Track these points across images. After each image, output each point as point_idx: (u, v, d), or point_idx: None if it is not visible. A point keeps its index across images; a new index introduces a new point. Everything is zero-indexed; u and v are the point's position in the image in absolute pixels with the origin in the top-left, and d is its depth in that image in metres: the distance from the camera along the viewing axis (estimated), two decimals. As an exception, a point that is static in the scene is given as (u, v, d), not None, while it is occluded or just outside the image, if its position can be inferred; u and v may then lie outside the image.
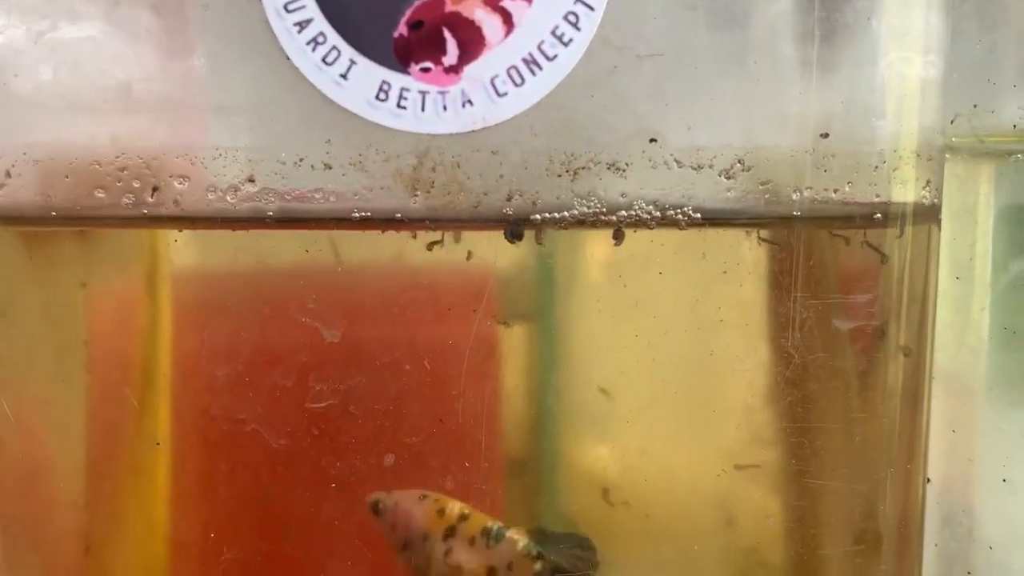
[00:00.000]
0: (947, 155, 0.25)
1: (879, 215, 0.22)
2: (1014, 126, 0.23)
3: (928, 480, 0.26)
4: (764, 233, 0.22)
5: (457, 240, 0.22)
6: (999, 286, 0.24)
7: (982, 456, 0.25)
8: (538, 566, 0.22)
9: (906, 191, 0.22)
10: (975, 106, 0.24)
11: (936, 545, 0.26)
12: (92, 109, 0.22)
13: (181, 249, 0.23)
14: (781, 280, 0.22)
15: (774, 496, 0.23)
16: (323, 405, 0.22)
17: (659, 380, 0.22)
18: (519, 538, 0.22)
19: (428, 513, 0.23)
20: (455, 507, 0.22)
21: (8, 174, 0.22)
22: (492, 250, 0.22)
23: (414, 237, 0.22)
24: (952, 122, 0.25)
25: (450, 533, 0.22)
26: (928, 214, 0.23)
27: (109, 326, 0.24)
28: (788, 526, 0.23)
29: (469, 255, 0.22)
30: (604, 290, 0.23)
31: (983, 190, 0.25)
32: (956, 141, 0.25)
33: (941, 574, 0.26)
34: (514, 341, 0.23)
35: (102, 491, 0.23)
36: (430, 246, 0.22)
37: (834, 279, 0.22)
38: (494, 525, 0.22)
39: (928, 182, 0.23)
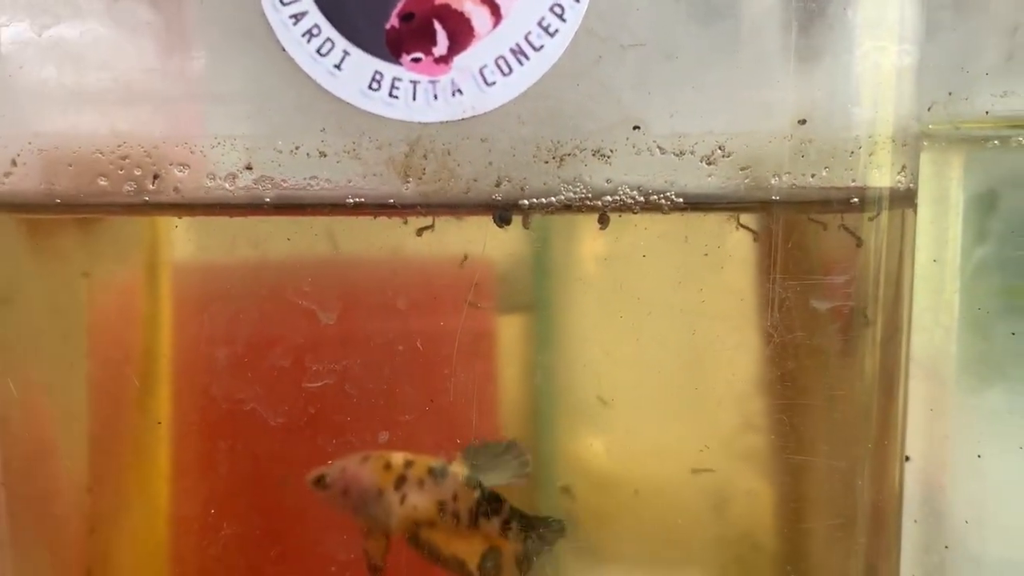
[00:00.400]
0: (924, 142, 0.26)
1: (855, 199, 0.23)
2: (987, 112, 0.24)
3: (908, 458, 0.27)
4: (744, 218, 0.23)
5: (450, 224, 0.23)
6: (967, 270, 0.25)
7: (957, 434, 0.26)
8: (477, 494, 0.24)
9: (882, 176, 0.23)
10: (950, 94, 0.25)
11: (916, 521, 0.27)
12: (94, 100, 0.23)
13: (181, 236, 0.24)
14: (761, 262, 0.23)
15: (755, 471, 0.24)
16: (319, 385, 0.23)
17: (643, 359, 0.23)
18: (460, 470, 0.23)
19: (375, 470, 0.24)
20: (398, 458, 0.24)
21: (14, 163, 0.23)
22: (481, 235, 0.23)
23: (405, 223, 0.23)
24: (929, 110, 0.26)
25: (401, 482, 0.24)
26: (904, 199, 0.24)
27: (111, 313, 0.25)
28: (770, 501, 0.24)
29: (459, 242, 0.23)
30: (590, 273, 0.23)
31: (956, 176, 0.25)
32: (933, 128, 0.26)
33: (920, 548, 0.26)
34: (503, 323, 0.23)
35: (105, 469, 0.24)
36: (420, 231, 0.22)
37: (812, 261, 0.23)
38: (437, 464, 0.24)
39: (903, 167, 0.24)
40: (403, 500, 0.24)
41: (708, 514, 0.24)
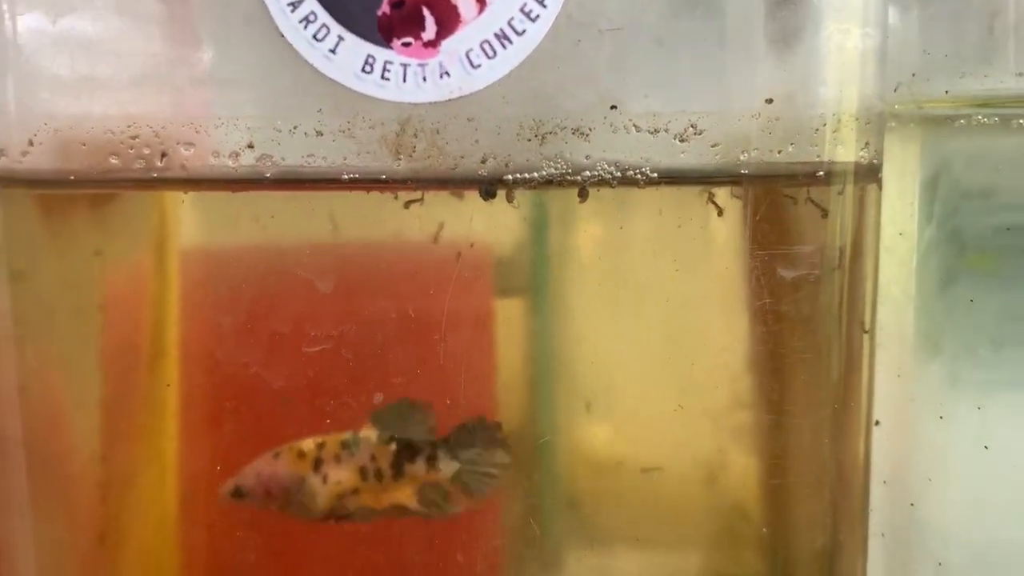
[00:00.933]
0: (892, 123, 0.27)
1: (820, 173, 0.24)
2: (946, 92, 0.26)
3: (877, 423, 0.29)
4: (715, 192, 0.24)
5: (438, 198, 0.24)
6: (928, 241, 0.26)
7: (921, 397, 0.27)
8: (393, 446, 0.25)
9: (846, 152, 0.25)
10: (913, 75, 0.26)
11: (885, 482, 0.28)
12: (106, 84, 0.24)
13: (188, 211, 0.25)
14: (731, 234, 0.24)
15: (728, 430, 0.25)
16: (317, 350, 0.24)
17: (619, 324, 0.25)
18: (369, 433, 0.25)
19: (290, 462, 0.25)
20: (308, 443, 0.25)
21: (31, 143, 0.24)
22: (468, 209, 0.24)
23: (395, 197, 0.24)
24: (895, 91, 0.27)
25: (318, 464, 0.25)
26: (868, 173, 0.25)
27: (123, 285, 0.27)
28: (741, 459, 0.26)
29: (447, 215, 0.24)
30: (570, 244, 0.25)
31: (918, 153, 0.27)
32: (899, 108, 0.27)
33: (888, 503, 0.28)
34: (489, 292, 0.25)
35: (118, 429, 0.25)
36: (407, 204, 0.24)
37: (780, 232, 0.25)
38: (347, 436, 0.25)
39: (867, 144, 0.25)
40: (325, 480, 0.25)
41: (682, 463, 0.25)
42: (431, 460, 0.25)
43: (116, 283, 0.27)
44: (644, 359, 0.25)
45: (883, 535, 0.28)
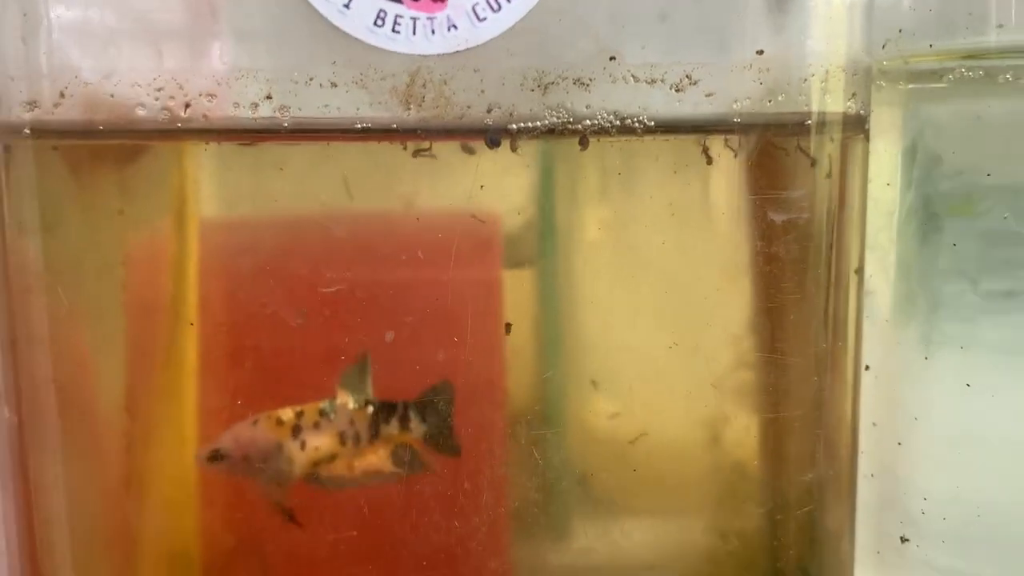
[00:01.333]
0: (881, 79, 0.29)
1: (809, 123, 0.26)
2: (930, 46, 0.27)
3: (867, 367, 0.30)
4: (709, 139, 0.25)
5: (446, 147, 0.26)
6: (907, 193, 0.28)
7: (907, 339, 0.28)
8: (370, 409, 0.26)
9: (833, 102, 0.26)
10: (900, 31, 0.27)
11: (874, 424, 0.30)
12: (132, 38, 0.25)
13: (209, 160, 0.26)
14: (724, 178, 0.26)
15: (720, 363, 0.26)
16: (333, 290, 0.26)
17: (618, 264, 0.26)
18: (347, 399, 0.26)
19: (269, 429, 0.26)
20: (287, 412, 0.26)
21: (62, 95, 0.26)
22: (475, 157, 0.26)
23: (404, 148, 0.26)
24: (884, 47, 0.28)
25: (296, 431, 0.26)
26: (855, 123, 0.26)
27: (147, 232, 0.28)
28: (735, 392, 0.27)
29: (455, 163, 0.26)
30: (572, 189, 0.26)
31: (906, 105, 0.28)
32: (887, 64, 0.28)
33: (876, 443, 0.29)
34: (496, 235, 0.26)
35: (143, 366, 0.27)
36: (416, 153, 0.25)
37: (771, 178, 0.26)
38: (325, 403, 0.26)
39: (854, 95, 0.26)
40: (303, 446, 0.26)
41: (680, 401, 0.27)
42: (404, 420, 0.26)
43: (139, 239, 0.28)
44: (639, 298, 0.26)
45: (872, 475, 0.30)
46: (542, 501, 0.27)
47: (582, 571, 0.28)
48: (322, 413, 0.26)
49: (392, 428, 0.26)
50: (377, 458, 0.27)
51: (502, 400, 0.27)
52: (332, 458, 0.26)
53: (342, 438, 0.26)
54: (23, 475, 0.30)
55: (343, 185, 0.26)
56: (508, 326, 0.26)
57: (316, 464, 0.26)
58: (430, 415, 0.27)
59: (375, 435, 0.26)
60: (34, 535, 0.30)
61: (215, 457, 0.26)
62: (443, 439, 0.27)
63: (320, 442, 0.26)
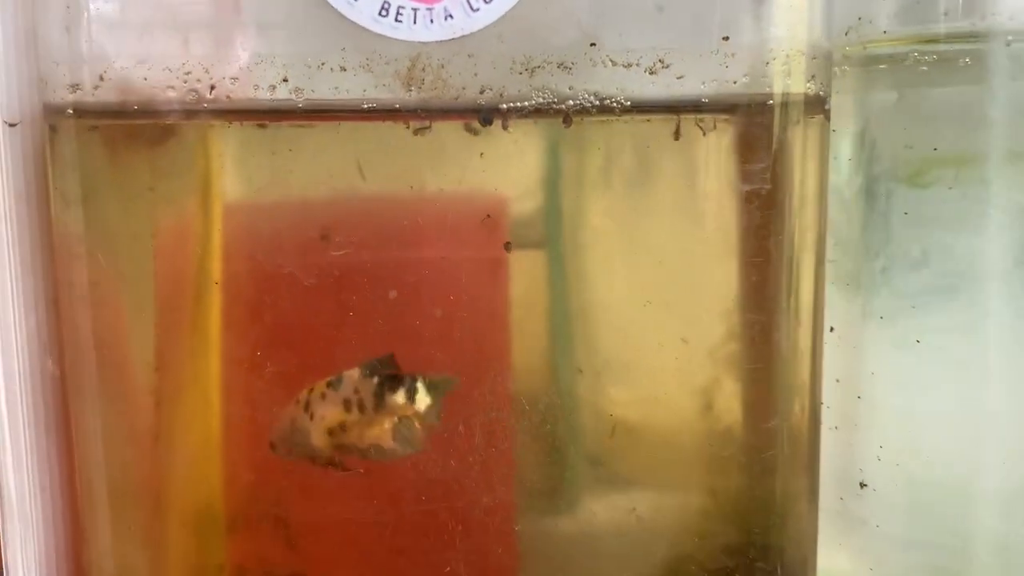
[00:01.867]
0: (845, 64, 0.31)
1: (770, 102, 0.28)
2: (884, 32, 0.29)
3: (832, 329, 0.33)
4: (680, 117, 0.28)
5: (443, 125, 0.28)
6: (871, 162, 0.30)
7: (867, 300, 0.31)
8: (375, 379, 0.29)
9: (794, 84, 0.28)
10: (859, 19, 0.30)
11: (837, 380, 0.32)
12: (164, 28, 0.28)
13: (233, 137, 0.29)
14: (693, 152, 0.28)
15: (689, 318, 0.29)
16: (342, 253, 0.29)
17: (592, 228, 0.29)
18: (352, 372, 0.28)
19: (288, 410, 0.29)
20: (303, 392, 0.29)
21: (101, 78, 0.29)
22: (470, 135, 0.28)
23: (407, 127, 0.28)
24: (846, 34, 0.31)
25: (307, 405, 0.29)
26: (814, 103, 0.29)
27: (176, 205, 0.31)
28: (703, 345, 0.30)
29: (452, 138, 0.28)
30: (557, 162, 0.29)
31: (865, 85, 0.30)
32: (849, 51, 0.31)
33: (839, 396, 0.32)
34: (490, 201, 0.29)
35: (172, 321, 0.30)
36: (416, 131, 0.28)
37: (737, 152, 0.28)
38: (332, 378, 0.29)
39: (813, 76, 0.29)
40: (312, 416, 0.29)
41: (657, 350, 0.29)
42: (411, 392, 0.29)
43: (168, 212, 0.31)
44: (615, 258, 0.29)
45: (836, 427, 0.32)
46: (547, 471, 0.30)
47: (584, 536, 0.31)
48: (329, 384, 0.29)
49: (398, 398, 0.29)
50: (381, 431, 0.29)
51: (507, 373, 0.30)
52: (342, 428, 0.29)
53: (347, 405, 0.28)
54: (65, 422, 0.33)
55: (355, 165, 0.29)
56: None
57: (331, 434, 0.29)
58: (434, 389, 0.29)
59: (380, 404, 0.29)
60: (74, 475, 0.33)
61: (274, 449, 0.29)
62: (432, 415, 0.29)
63: (326, 411, 0.29)
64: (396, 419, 0.29)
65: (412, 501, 0.30)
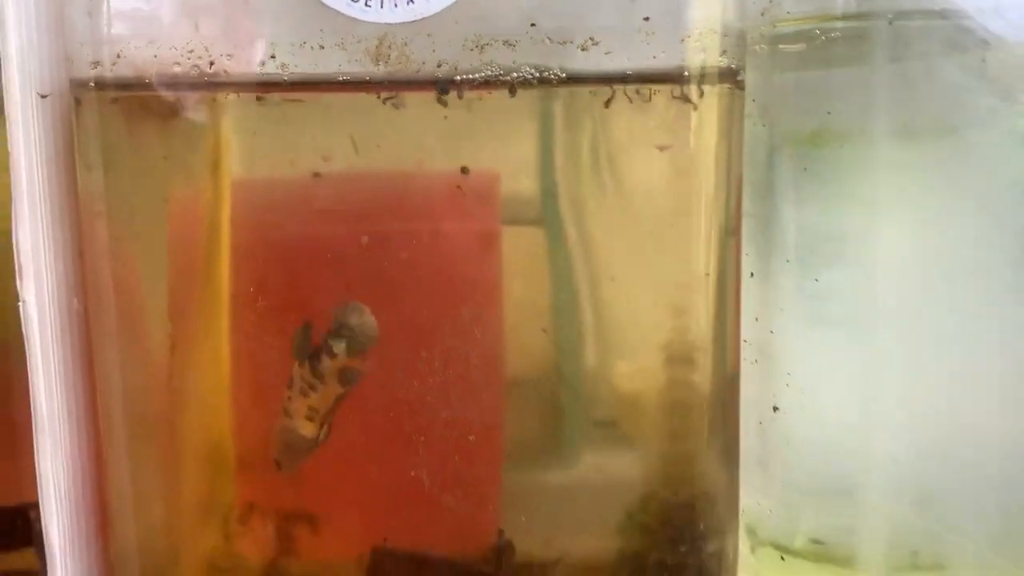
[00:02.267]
0: (760, 41, 0.36)
1: (686, 74, 0.33)
2: (788, 12, 0.34)
3: (752, 274, 0.37)
4: (609, 88, 0.33)
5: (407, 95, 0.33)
6: (778, 129, 0.35)
7: (777, 248, 0.35)
8: (307, 362, 0.34)
9: (707, 57, 0.33)
10: (770, 1, 0.34)
11: (756, 319, 0.37)
12: (171, 11, 0.33)
13: (234, 110, 0.34)
14: (618, 119, 0.33)
15: (635, 267, 0.34)
16: (333, 209, 0.33)
17: (534, 175, 0.34)
18: (295, 368, 0.34)
19: (276, 427, 0.34)
20: (280, 413, 0.34)
21: (118, 56, 0.34)
22: (430, 106, 0.33)
23: (378, 97, 0.33)
24: (763, 15, 0.35)
25: (285, 414, 0.34)
26: (727, 75, 0.34)
27: (186, 174, 0.35)
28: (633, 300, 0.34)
29: (415, 105, 0.33)
30: (506, 128, 0.33)
31: (773, 61, 0.35)
32: (763, 30, 0.35)
33: (757, 332, 0.36)
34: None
35: (184, 284, 0.35)
36: (385, 100, 0.33)
37: (656, 122, 0.33)
38: (287, 385, 0.34)
39: (725, 51, 0.33)
40: (292, 418, 0.34)
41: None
42: (329, 350, 0.34)
43: (180, 174, 0.36)
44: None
45: (755, 361, 0.37)
46: (538, 434, 0.35)
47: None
48: (288, 386, 0.34)
49: (325, 361, 0.33)
50: (334, 387, 0.34)
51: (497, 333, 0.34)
52: (312, 410, 0.34)
53: (304, 392, 0.34)
54: (88, 354, 0.38)
55: (338, 128, 0.34)
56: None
57: (310, 420, 0.34)
58: (344, 333, 0.34)
59: (317, 374, 0.33)
60: (96, 406, 0.38)
61: (280, 467, 0.35)
62: (359, 343, 0.34)
63: (294, 406, 0.34)
64: (337, 372, 0.34)
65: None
